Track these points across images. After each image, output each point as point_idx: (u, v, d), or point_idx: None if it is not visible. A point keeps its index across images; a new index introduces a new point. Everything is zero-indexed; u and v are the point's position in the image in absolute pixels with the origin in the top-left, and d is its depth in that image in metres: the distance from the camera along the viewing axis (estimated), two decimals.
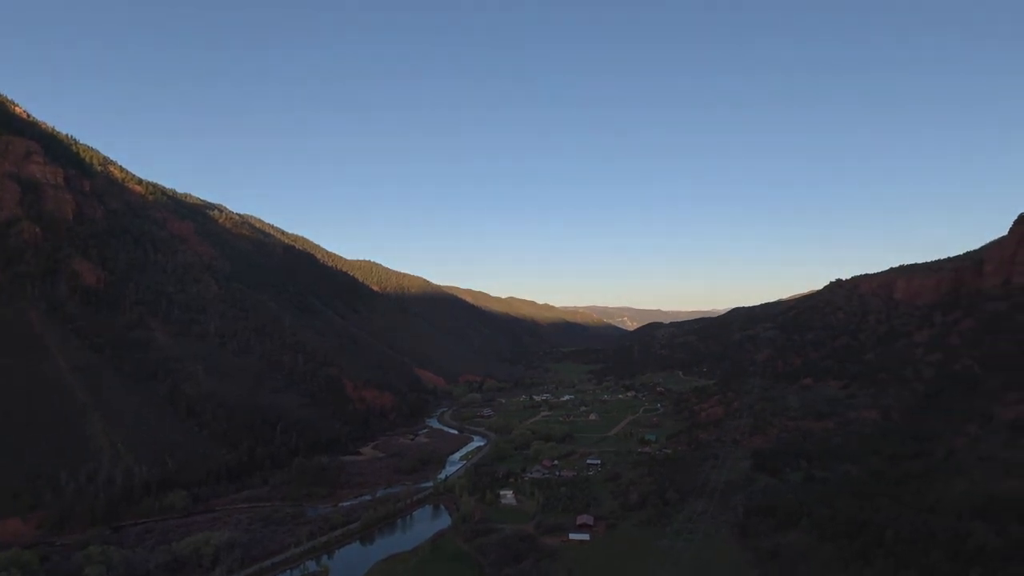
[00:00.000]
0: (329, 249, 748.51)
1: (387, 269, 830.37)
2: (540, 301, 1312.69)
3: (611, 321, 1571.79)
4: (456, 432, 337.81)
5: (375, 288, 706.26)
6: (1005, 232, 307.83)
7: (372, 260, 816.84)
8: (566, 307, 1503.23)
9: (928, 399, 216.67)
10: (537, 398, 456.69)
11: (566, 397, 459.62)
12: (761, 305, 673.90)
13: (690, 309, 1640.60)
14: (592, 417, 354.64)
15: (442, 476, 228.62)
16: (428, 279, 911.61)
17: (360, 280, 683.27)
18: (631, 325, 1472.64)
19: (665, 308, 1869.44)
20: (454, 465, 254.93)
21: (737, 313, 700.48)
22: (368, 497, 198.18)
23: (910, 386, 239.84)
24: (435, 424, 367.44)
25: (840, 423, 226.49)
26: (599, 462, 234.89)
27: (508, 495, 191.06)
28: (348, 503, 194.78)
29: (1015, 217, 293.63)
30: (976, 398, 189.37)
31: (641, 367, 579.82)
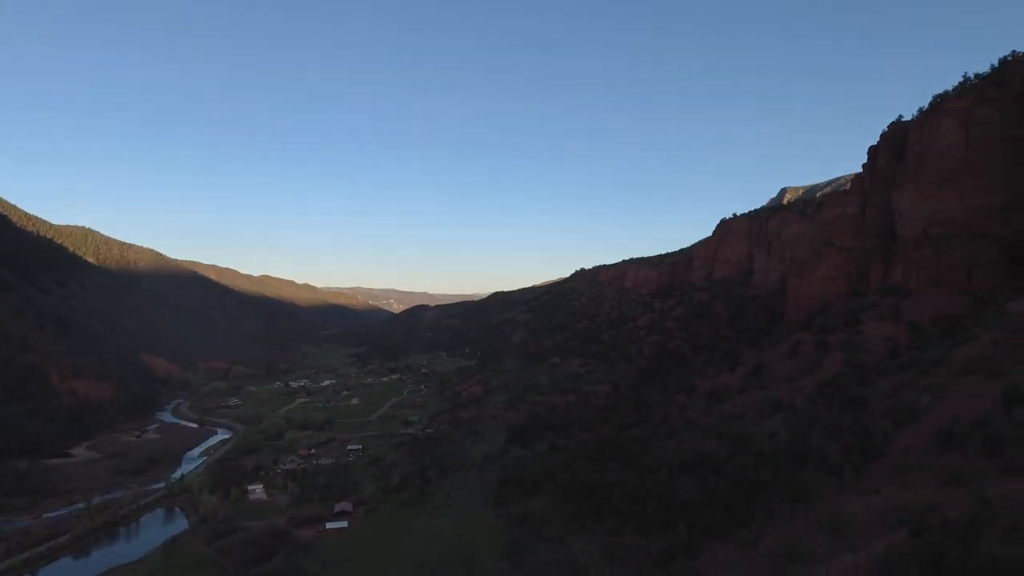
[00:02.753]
0: (30, 211, 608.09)
1: (108, 238, 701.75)
2: (300, 281, 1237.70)
3: (377, 304, 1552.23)
4: (195, 425, 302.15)
5: (92, 260, 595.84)
6: (710, 233, 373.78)
7: (88, 227, 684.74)
8: (329, 288, 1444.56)
9: (648, 374, 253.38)
10: (294, 384, 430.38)
11: (326, 382, 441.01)
12: (518, 290, 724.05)
13: (456, 292, 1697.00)
14: (354, 402, 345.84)
15: (177, 475, 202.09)
16: (162, 252, 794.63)
17: (72, 250, 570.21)
18: (398, 308, 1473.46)
19: (432, 291, 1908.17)
20: (193, 462, 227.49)
21: (497, 297, 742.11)
22: (82, 505, 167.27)
23: (635, 363, 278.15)
24: (169, 418, 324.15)
25: (580, 397, 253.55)
26: (361, 447, 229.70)
27: (257, 490, 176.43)
28: (55, 513, 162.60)
29: (718, 221, 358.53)
30: (685, 373, 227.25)
31: (406, 349, 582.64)
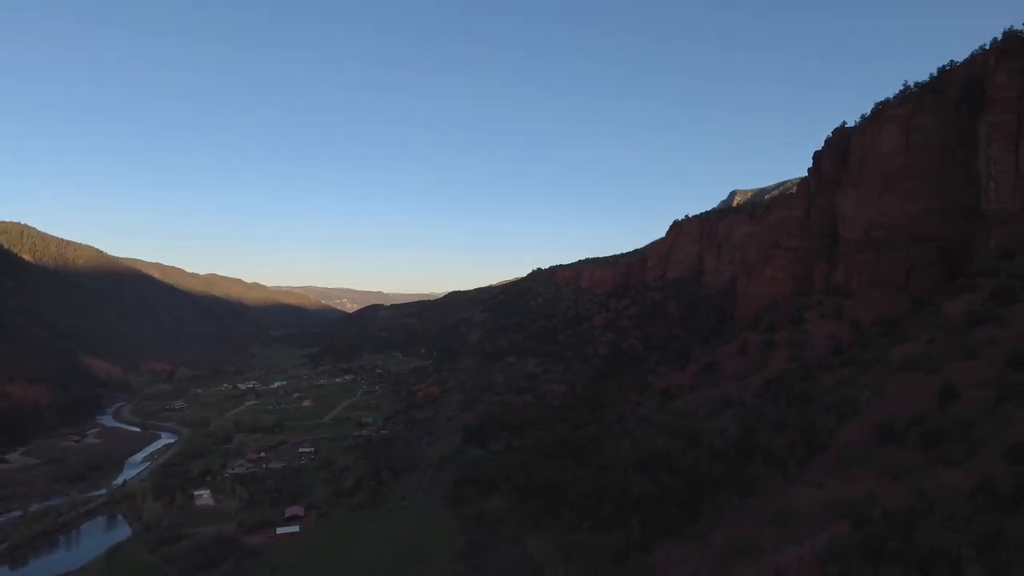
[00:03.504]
0: None
1: (45, 235, 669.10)
2: (249, 280, 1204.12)
3: (330, 303, 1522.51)
4: (138, 429, 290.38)
5: (28, 258, 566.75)
6: (663, 234, 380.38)
7: (23, 223, 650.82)
8: (280, 287, 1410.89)
9: (603, 373, 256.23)
10: (243, 386, 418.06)
11: (277, 383, 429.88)
12: (475, 289, 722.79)
13: (411, 292, 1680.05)
14: (306, 403, 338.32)
15: (119, 481, 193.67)
16: (102, 249, 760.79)
17: (6, 247, 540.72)
18: (351, 307, 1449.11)
19: (387, 290, 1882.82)
20: (136, 468, 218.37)
21: (454, 296, 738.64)
22: (18, 513, 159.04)
23: (590, 362, 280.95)
24: (110, 422, 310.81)
25: (537, 396, 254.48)
26: (313, 450, 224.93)
27: (204, 495, 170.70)
28: None
29: (671, 222, 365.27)
30: (638, 371, 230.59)
31: (360, 350, 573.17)
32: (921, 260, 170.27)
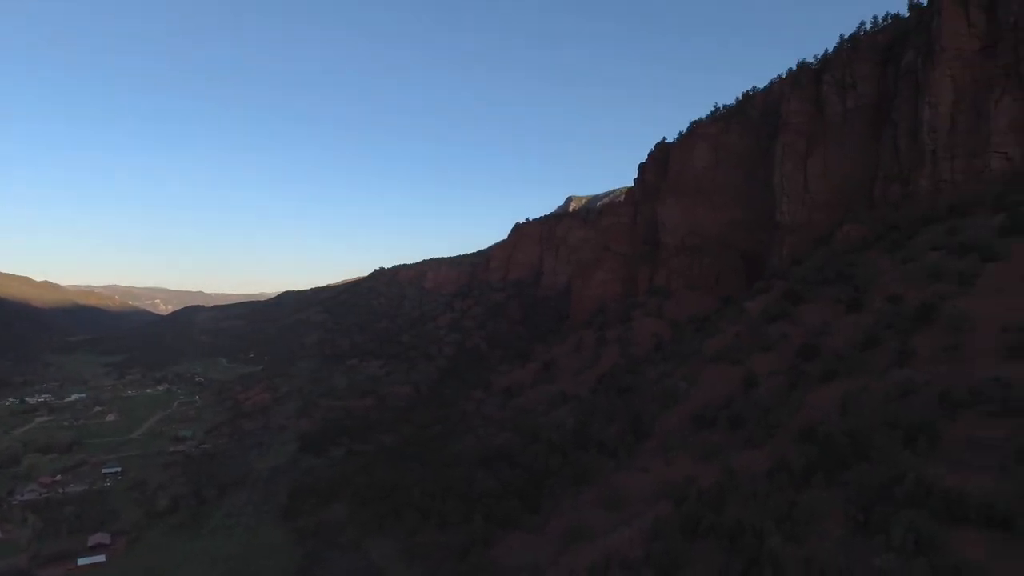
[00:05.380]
0: None
1: None
2: (38, 278, 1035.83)
3: (139, 304, 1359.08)
4: None
5: None
6: (506, 236, 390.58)
7: None
8: (78, 287, 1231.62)
9: (448, 373, 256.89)
10: (32, 400, 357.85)
11: (75, 396, 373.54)
12: (312, 289, 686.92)
13: (237, 292, 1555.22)
14: (111, 418, 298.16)
15: None
16: None
17: None
18: (166, 308, 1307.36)
19: (208, 290, 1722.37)
20: None
21: (288, 296, 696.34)
22: None
23: (435, 362, 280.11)
24: None
25: (380, 399, 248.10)
26: (119, 469, 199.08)
27: None
28: None
29: (512, 225, 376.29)
30: (482, 370, 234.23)
31: (177, 356, 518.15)
32: (728, 265, 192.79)
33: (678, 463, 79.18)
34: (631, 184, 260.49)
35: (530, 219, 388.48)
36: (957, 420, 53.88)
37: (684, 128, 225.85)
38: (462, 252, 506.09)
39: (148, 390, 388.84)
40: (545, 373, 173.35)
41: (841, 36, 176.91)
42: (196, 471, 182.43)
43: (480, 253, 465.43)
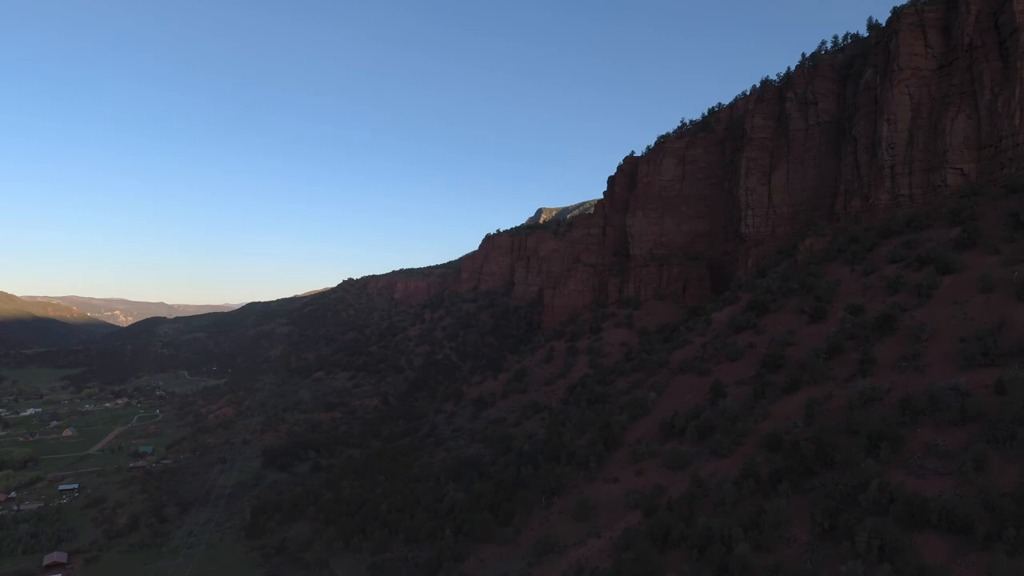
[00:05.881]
0: None
1: None
2: None
3: (99, 316, 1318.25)
4: None
5: None
6: (477, 247, 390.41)
7: None
8: (33, 298, 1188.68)
9: (418, 384, 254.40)
10: None
11: (30, 411, 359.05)
12: (278, 300, 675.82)
13: (200, 303, 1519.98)
14: (68, 433, 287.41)
15: None
16: None
17: None
18: (126, 320, 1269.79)
19: (170, 301, 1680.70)
20: None
21: (253, 308, 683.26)
22: None
23: (404, 374, 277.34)
24: None
25: (347, 412, 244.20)
26: (76, 486, 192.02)
27: None
28: None
29: (483, 236, 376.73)
30: (453, 381, 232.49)
31: (137, 369, 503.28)
32: (694, 275, 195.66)
33: (648, 473, 79.37)
34: (601, 196, 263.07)
35: (501, 230, 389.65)
36: (918, 428, 55.19)
37: (652, 142, 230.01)
38: (433, 263, 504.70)
39: (107, 404, 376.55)
40: (516, 383, 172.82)
41: (803, 54, 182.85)
42: (157, 488, 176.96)
43: (451, 264, 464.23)
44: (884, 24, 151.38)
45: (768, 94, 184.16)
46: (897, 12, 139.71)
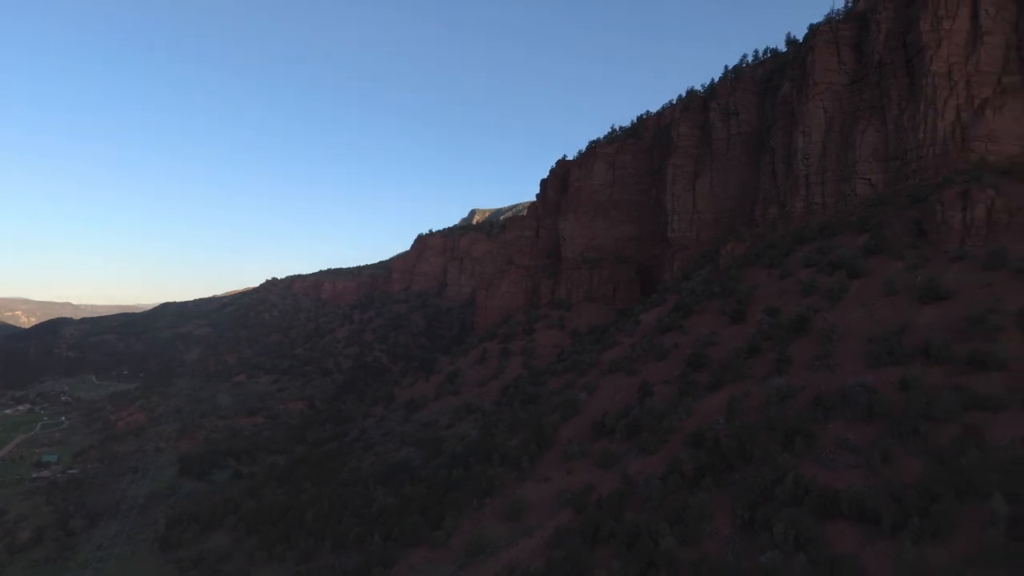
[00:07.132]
0: None
1: None
2: None
3: None
4: None
5: None
6: (408, 247, 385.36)
7: None
8: None
9: (346, 387, 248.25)
10: None
11: None
12: (194, 301, 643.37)
13: (110, 303, 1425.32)
14: None
15: None
16: None
17: None
18: (28, 321, 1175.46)
19: (77, 301, 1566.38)
20: None
21: (167, 308, 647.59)
22: None
23: (332, 376, 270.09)
24: None
25: (270, 417, 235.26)
26: None
27: None
28: None
29: (415, 236, 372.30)
30: (383, 383, 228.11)
31: (40, 373, 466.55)
32: (624, 278, 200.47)
33: (579, 471, 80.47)
34: (534, 199, 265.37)
35: (433, 231, 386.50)
36: (829, 423, 58.49)
37: (583, 147, 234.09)
38: (362, 263, 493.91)
39: (7, 411, 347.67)
40: (449, 385, 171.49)
41: (726, 67, 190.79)
42: (63, 499, 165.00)
43: (381, 264, 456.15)
44: (801, 40, 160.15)
45: (693, 104, 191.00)
46: (813, 29, 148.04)
